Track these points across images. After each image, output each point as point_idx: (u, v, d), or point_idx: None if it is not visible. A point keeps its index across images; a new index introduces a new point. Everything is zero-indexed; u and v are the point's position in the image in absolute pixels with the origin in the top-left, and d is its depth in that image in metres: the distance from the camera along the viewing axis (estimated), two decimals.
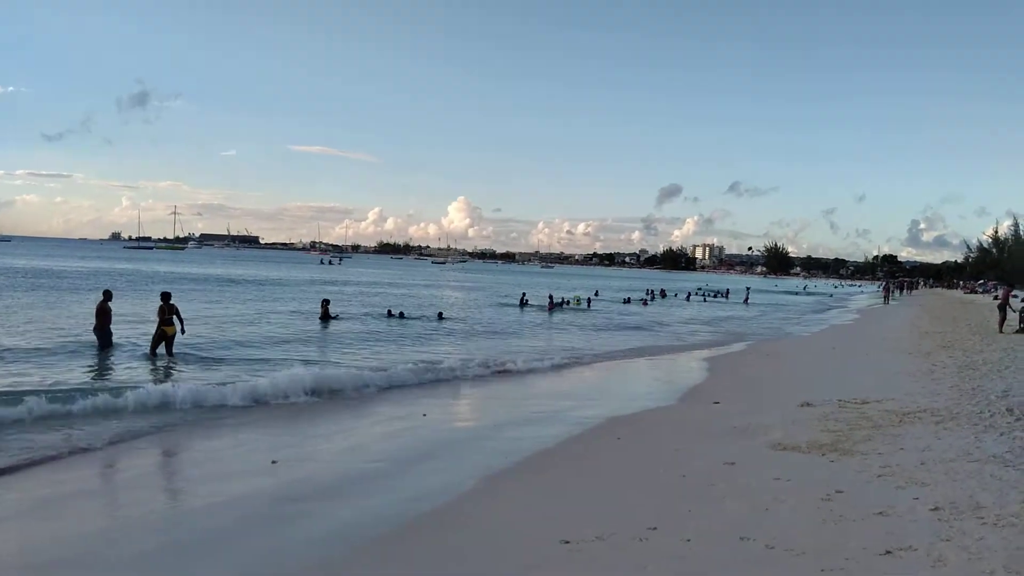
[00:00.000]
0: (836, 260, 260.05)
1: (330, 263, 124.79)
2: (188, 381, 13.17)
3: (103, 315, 16.38)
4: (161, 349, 16.12)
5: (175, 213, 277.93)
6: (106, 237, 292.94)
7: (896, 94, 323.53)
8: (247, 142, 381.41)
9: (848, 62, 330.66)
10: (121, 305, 23.33)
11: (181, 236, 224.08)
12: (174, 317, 16.34)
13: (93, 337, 16.57)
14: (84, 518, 6.69)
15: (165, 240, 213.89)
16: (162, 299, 16.42)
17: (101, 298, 16.76)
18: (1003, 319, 23.86)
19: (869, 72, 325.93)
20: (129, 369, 14.75)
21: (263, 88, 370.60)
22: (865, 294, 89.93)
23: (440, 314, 30.04)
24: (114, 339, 16.67)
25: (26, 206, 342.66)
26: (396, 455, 9.17)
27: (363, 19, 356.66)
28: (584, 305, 42.40)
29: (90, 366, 14.85)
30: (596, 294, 51.36)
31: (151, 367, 15.05)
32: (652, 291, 64.85)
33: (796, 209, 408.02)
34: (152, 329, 16.58)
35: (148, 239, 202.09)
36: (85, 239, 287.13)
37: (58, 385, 12.31)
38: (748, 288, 70.47)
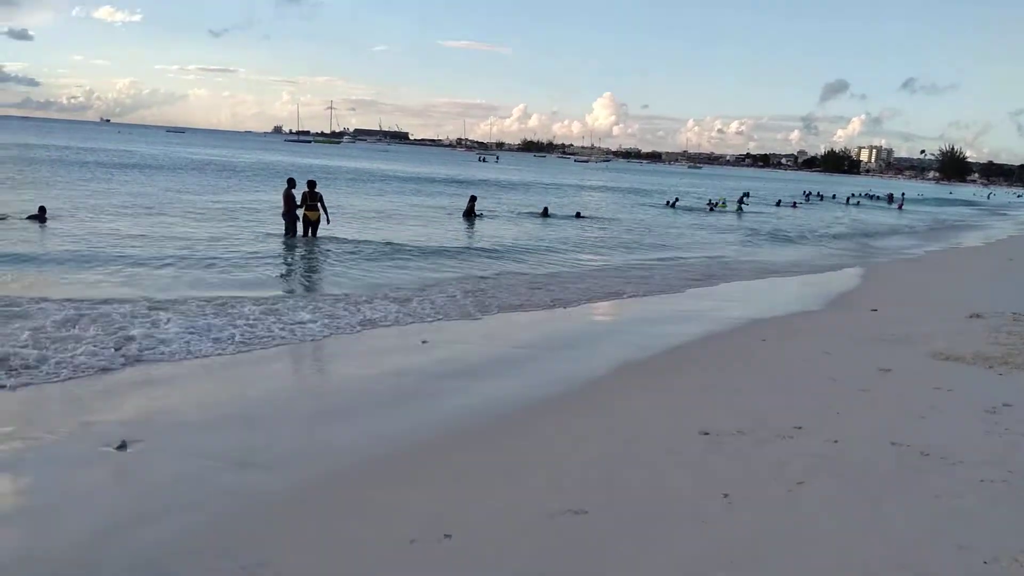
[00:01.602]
0: (1021, 167, 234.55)
1: (483, 160, 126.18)
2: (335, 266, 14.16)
3: (288, 201, 17.20)
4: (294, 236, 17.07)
5: (331, 108, 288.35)
6: (269, 130, 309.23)
7: None
8: (397, 38, 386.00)
9: None
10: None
11: (337, 131, 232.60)
12: (318, 204, 17.14)
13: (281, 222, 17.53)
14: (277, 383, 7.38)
15: (323, 134, 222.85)
16: (308, 186, 17.15)
17: (286, 185, 17.44)
18: None
19: None
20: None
21: None
22: None
23: (578, 213, 29.73)
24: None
25: (197, 100, 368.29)
26: (539, 342, 9.43)
27: None
28: (732, 208, 40.86)
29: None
30: (747, 196, 48.96)
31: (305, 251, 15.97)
32: (808, 193, 61.46)
33: (978, 110, 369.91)
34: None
35: (307, 133, 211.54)
36: (250, 131, 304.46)
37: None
38: (903, 193, 64.99)
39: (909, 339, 9.10)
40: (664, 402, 6.87)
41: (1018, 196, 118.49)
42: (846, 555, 3.87)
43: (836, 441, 5.51)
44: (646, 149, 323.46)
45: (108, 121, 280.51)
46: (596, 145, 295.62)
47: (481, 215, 26.25)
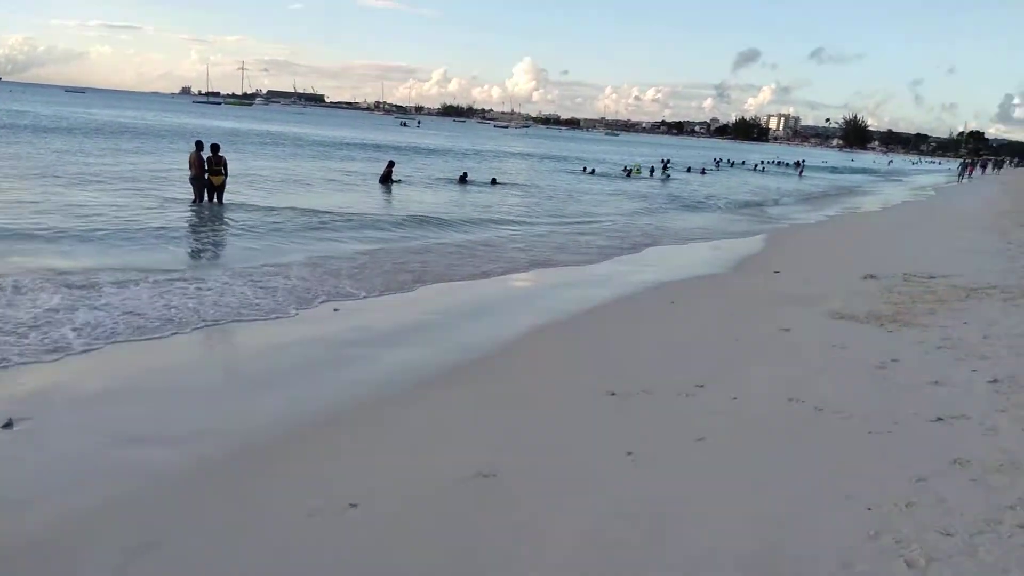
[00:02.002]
0: (917, 135, 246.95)
1: (404, 125, 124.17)
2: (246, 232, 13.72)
3: (196, 165, 16.51)
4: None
5: (243, 68, 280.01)
6: (176, 91, 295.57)
7: None
8: None
9: None
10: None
11: (248, 92, 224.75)
12: (223, 168, 16.64)
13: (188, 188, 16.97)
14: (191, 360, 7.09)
15: (233, 96, 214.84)
16: (211, 150, 16.53)
17: (193, 148, 16.70)
18: None
19: None
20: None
21: None
22: (943, 172, 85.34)
23: (493, 180, 29.48)
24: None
25: (100, 58, 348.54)
26: (453, 310, 9.37)
27: None
28: (645, 174, 41.66)
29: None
30: (669, 163, 49.84)
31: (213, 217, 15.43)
32: (719, 160, 63.02)
33: (881, 80, 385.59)
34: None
35: (217, 94, 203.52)
36: (157, 92, 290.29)
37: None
38: (803, 160, 67.17)
39: (808, 300, 9.48)
40: (573, 365, 6.96)
41: (913, 163, 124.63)
42: (741, 508, 4.02)
43: (735, 398, 5.71)
44: (565, 115, 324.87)
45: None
46: (516, 111, 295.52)
47: (399, 181, 25.89)
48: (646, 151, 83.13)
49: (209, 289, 9.11)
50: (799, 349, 7.16)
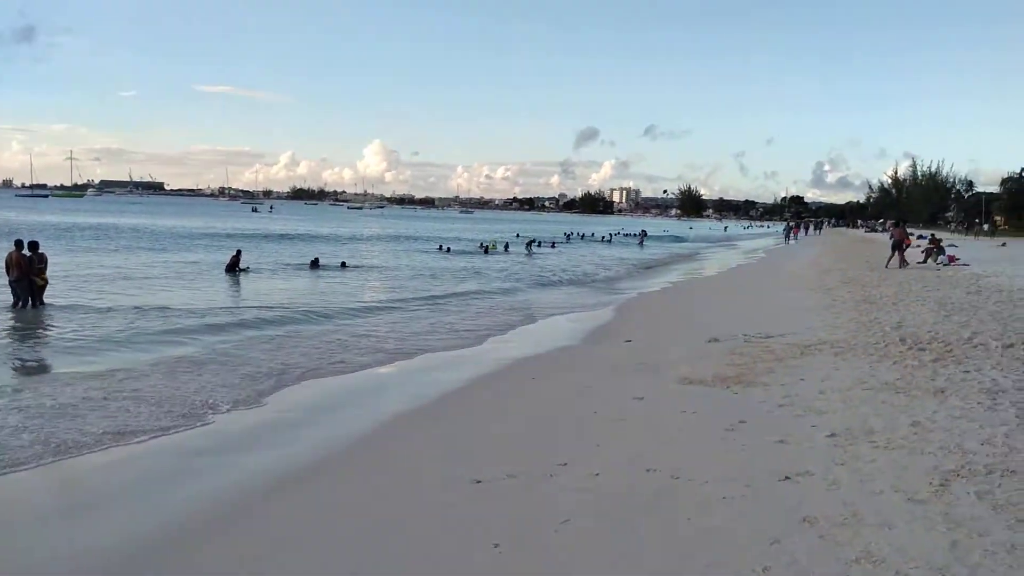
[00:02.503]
0: (747, 202, 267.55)
1: (256, 211, 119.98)
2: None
3: (19, 266, 15.07)
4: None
5: (71, 158, 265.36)
6: None
7: (798, 39, 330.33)
8: (148, 82, 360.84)
9: (759, 9, 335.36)
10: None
11: (79, 183, 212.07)
12: (44, 267, 15.57)
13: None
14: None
15: (62, 187, 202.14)
16: (31, 248, 15.40)
17: (13, 247, 15.42)
18: (893, 257, 24.99)
19: (770, 8, 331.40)
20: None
21: (163, 24, 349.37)
22: (772, 235, 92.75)
23: (343, 263, 29.06)
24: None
25: None
26: (307, 403, 8.96)
27: None
28: (501, 249, 42.79)
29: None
30: (534, 242, 50.95)
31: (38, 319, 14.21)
32: (569, 233, 65.40)
33: (708, 152, 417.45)
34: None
35: (43, 186, 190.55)
36: None
37: None
38: (643, 231, 71.07)
39: (658, 366, 9.82)
40: (438, 453, 6.77)
41: (745, 228, 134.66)
42: None
43: (598, 474, 5.72)
44: (419, 195, 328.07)
45: None
46: (369, 192, 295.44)
47: (246, 269, 24.96)
48: (501, 227, 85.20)
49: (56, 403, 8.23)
50: (653, 417, 7.34)
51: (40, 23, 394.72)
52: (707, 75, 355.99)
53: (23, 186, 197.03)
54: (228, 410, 8.36)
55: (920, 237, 44.18)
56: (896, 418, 6.60)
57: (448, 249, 41.44)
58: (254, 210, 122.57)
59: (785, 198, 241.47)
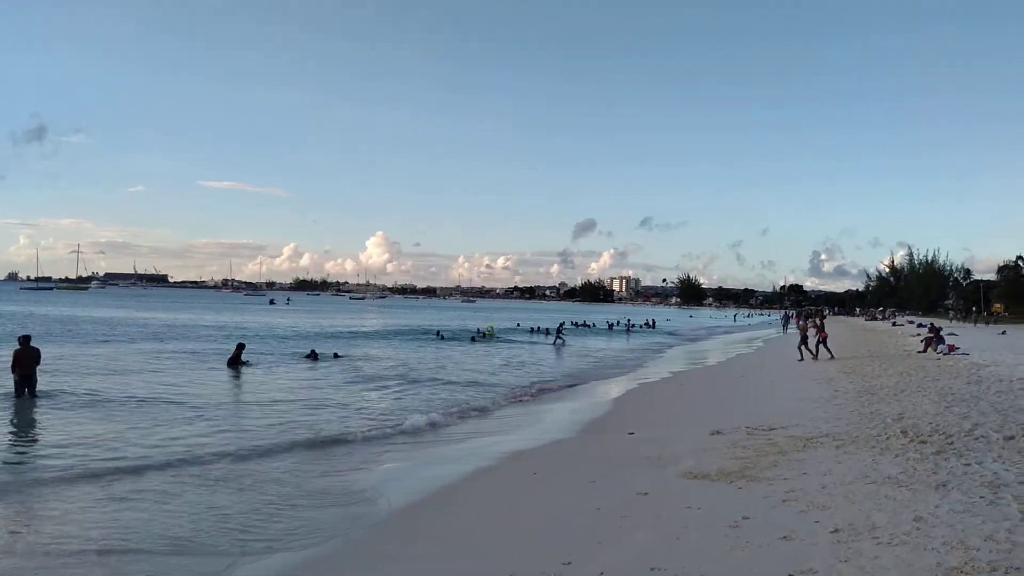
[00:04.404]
0: (746, 290, 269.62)
1: (272, 303, 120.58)
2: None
3: (25, 359, 16.03)
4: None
5: (77, 252, 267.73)
6: (2, 278, 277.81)
7: (790, 132, 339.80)
8: (153, 178, 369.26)
9: (741, 100, 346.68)
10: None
11: (84, 276, 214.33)
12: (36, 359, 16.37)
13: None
14: None
15: (67, 280, 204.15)
16: (19, 342, 16.38)
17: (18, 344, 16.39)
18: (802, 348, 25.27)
19: (763, 110, 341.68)
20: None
21: (169, 123, 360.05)
22: (772, 324, 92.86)
23: (335, 353, 29.52)
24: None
25: None
26: (314, 497, 8.94)
27: (271, 55, 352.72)
28: (497, 335, 43.88)
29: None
30: (517, 325, 51.46)
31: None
32: (576, 323, 65.37)
33: (705, 242, 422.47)
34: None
35: (48, 279, 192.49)
36: None
37: None
38: (628, 319, 70.68)
39: (662, 460, 9.80)
40: (436, 549, 6.74)
41: (747, 316, 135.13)
42: None
43: (602, 573, 5.70)
44: (421, 284, 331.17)
45: None
46: (371, 282, 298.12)
47: (247, 362, 25.06)
48: (503, 315, 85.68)
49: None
50: (657, 513, 7.32)
51: (51, 123, 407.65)
52: (700, 169, 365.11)
53: (28, 279, 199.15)
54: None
55: (920, 326, 44.41)
56: (899, 513, 6.60)
57: (442, 336, 43.55)
58: (271, 302, 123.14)
59: (784, 286, 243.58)
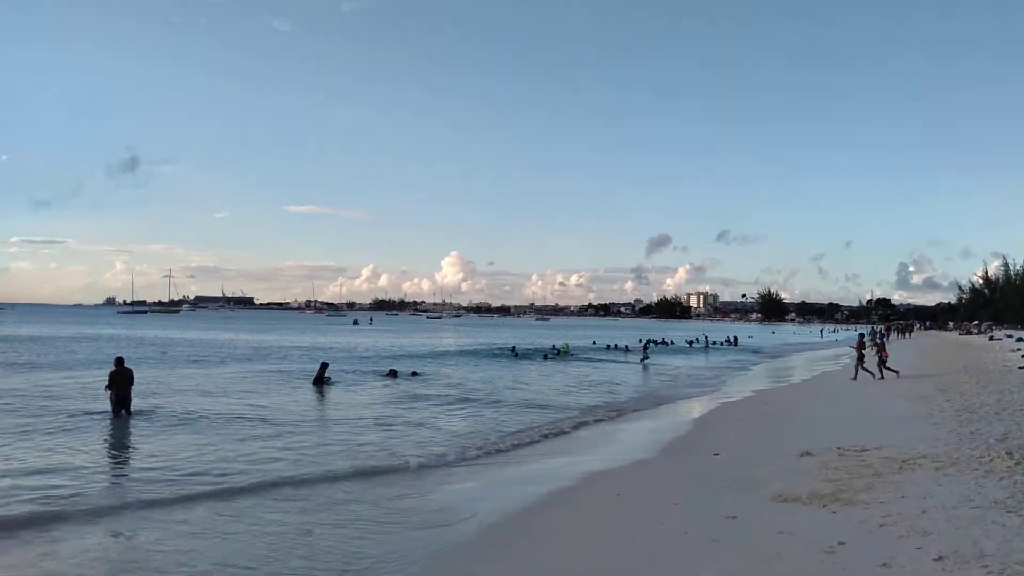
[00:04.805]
0: (830, 305, 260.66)
1: (355, 323, 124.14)
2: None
3: (118, 379, 16.90)
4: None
5: (169, 276, 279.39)
6: (100, 302, 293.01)
7: (874, 145, 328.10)
8: (240, 204, 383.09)
9: (829, 114, 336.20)
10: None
11: (175, 299, 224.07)
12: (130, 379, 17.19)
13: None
14: None
15: (160, 303, 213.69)
16: (115, 363, 17.31)
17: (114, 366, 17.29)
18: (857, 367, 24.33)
19: (849, 126, 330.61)
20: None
21: (254, 151, 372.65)
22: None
23: (413, 372, 30.36)
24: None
25: (20, 273, 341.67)
26: (398, 519, 9.06)
27: (349, 79, 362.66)
28: (572, 353, 44.86)
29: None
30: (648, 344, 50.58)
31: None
32: (654, 340, 64.46)
33: (785, 256, 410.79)
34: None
35: (142, 303, 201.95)
36: (79, 304, 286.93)
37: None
38: (706, 336, 68.88)
39: (750, 483, 9.53)
40: (521, 574, 6.72)
41: (833, 331, 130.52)
42: None
43: None
44: (495, 303, 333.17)
45: None
46: (447, 301, 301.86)
47: (330, 379, 25.74)
48: (577, 332, 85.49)
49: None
50: (748, 538, 7.11)
51: (143, 154, 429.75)
52: (778, 180, 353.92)
53: (124, 303, 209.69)
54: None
55: (1020, 340, 42.02)
56: (1010, 541, 6.23)
57: (517, 352, 44.45)
58: (355, 322, 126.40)
59: (871, 300, 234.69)
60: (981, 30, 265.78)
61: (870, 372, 23.99)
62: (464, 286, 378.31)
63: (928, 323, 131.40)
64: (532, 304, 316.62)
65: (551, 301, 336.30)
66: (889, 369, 24.07)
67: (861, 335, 26.89)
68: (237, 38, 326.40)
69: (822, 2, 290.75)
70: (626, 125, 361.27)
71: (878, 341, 24.20)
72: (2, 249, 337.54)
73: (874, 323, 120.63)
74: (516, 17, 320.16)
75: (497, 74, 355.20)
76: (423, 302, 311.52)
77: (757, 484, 9.41)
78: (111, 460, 12.86)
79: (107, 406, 16.80)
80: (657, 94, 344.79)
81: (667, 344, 60.74)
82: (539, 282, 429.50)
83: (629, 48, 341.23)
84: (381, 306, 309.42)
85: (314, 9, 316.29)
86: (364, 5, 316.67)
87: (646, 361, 40.12)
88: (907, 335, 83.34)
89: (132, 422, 16.18)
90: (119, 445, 14.12)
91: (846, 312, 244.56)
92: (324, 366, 26.41)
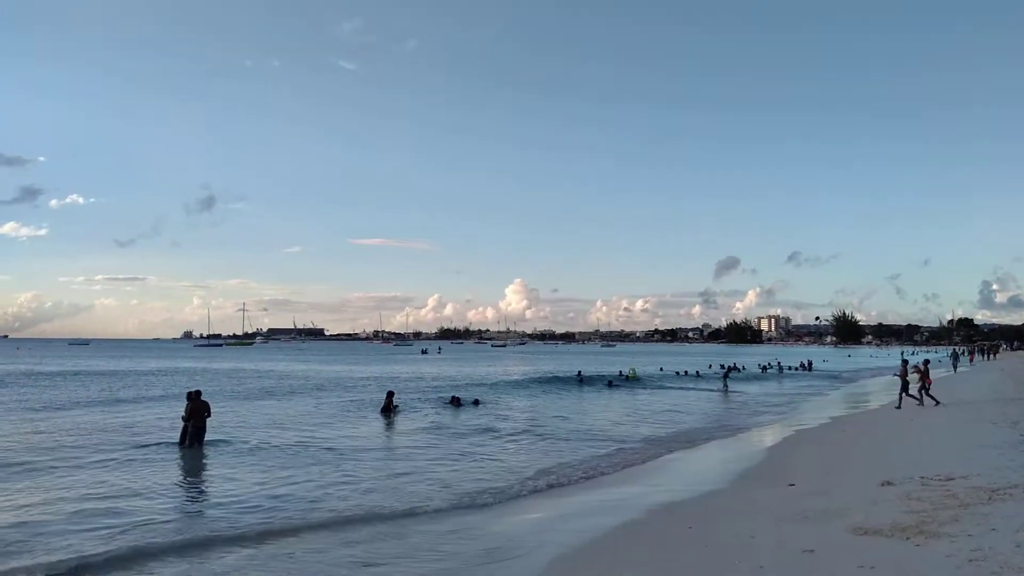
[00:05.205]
0: (909, 326, 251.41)
1: (424, 352, 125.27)
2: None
3: (194, 413, 17.51)
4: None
5: (243, 310, 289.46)
6: (178, 336, 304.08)
7: (952, 160, 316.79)
8: (309, 239, 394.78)
9: (903, 130, 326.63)
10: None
11: (249, 332, 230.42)
12: (206, 412, 17.74)
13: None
14: None
15: (234, 336, 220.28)
16: (187, 398, 17.90)
17: (187, 401, 17.91)
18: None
19: (924, 140, 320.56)
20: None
21: (322, 186, 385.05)
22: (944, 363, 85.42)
23: (476, 400, 30.38)
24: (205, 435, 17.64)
25: (104, 309, 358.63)
26: (464, 551, 9.03)
27: (408, 116, 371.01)
28: (640, 378, 45.41)
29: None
30: (731, 368, 50.00)
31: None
32: (724, 365, 63.14)
33: (859, 276, 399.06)
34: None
35: (218, 336, 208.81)
36: (159, 339, 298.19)
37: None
38: (778, 362, 67.29)
39: (827, 514, 9.17)
40: None
41: (913, 354, 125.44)
42: None
43: None
44: (559, 330, 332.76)
45: (5, 337, 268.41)
46: (511, 329, 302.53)
47: (398, 408, 26.21)
48: (644, 359, 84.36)
49: None
50: (826, 573, 6.82)
51: (219, 193, 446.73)
52: (850, 197, 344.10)
53: (201, 336, 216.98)
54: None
55: None
56: None
57: (582, 379, 44.74)
58: (423, 352, 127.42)
59: (952, 320, 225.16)
60: None
61: (914, 398, 23.39)
62: (528, 313, 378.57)
63: (1015, 343, 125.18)
64: (597, 330, 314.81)
65: (616, 327, 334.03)
66: (931, 397, 23.30)
67: (904, 362, 26.02)
68: (305, 78, 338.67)
69: (910, 15, 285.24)
70: (690, 144, 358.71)
71: (921, 369, 23.48)
72: (88, 287, 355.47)
73: (956, 344, 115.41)
74: (577, 37, 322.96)
75: (558, 97, 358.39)
76: (488, 330, 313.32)
77: (835, 515, 9.04)
78: (184, 493, 13.17)
79: (177, 436, 17.51)
80: (721, 110, 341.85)
81: (739, 370, 59.21)
82: (603, 308, 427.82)
83: (692, 65, 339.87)
84: (446, 335, 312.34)
85: (379, 48, 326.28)
86: (425, 43, 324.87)
87: (725, 388, 39.18)
88: (992, 356, 79.64)
89: (206, 452, 16.64)
90: (192, 477, 14.45)
91: (926, 333, 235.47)
92: (390, 395, 26.84)
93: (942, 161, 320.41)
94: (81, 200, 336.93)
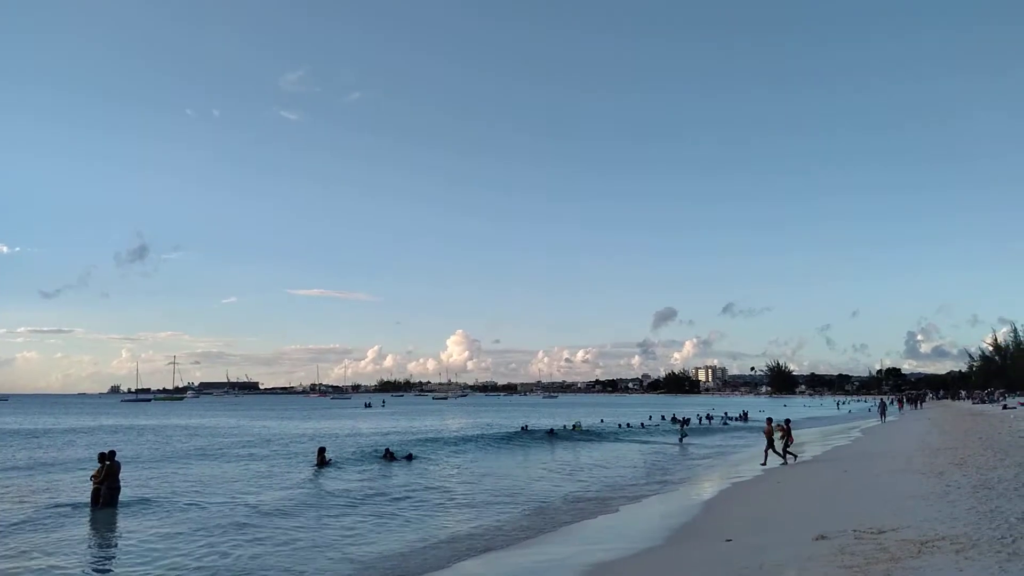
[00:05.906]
0: (840, 376, 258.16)
1: (367, 405, 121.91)
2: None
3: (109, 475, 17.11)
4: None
5: (174, 363, 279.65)
6: (105, 390, 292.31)
7: (876, 213, 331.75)
8: (246, 289, 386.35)
9: (829, 183, 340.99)
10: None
11: (180, 386, 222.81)
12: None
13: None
14: None
15: (164, 391, 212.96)
16: (106, 458, 17.43)
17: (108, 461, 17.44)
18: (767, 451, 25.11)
19: (850, 193, 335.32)
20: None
21: (260, 236, 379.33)
22: (873, 412, 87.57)
23: (409, 455, 29.53)
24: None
25: (26, 363, 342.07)
26: None
27: (352, 165, 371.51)
28: (584, 429, 45.18)
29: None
30: (602, 421, 51.00)
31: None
32: (685, 419, 63.23)
33: (791, 327, 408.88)
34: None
35: (147, 391, 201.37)
36: (84, 393, 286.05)
37: None
38: (724, 413, 68.31)
39: (763, 571, 9.07)
40: None
41: (843, 403, 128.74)
42: None
43: None
44: (501, 381, 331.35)
45: None
46: (452, 380, 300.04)
47: (331, 461, 26.29)
48: (586, 410, 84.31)
49: None
50: None
51: (152, 242, 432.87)
52: (781, 252, 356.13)
53: (129, 391, 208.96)
54: None
55: None
56: None
57: (527, 429, 44.71)
58: (367, 405, 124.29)
59: (881, 370, 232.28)
60: (982, 93, 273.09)
61: (779, 455, 24.94)
62: (470, 364, 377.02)
63: (940, 392, 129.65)
64: (539, 381, 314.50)
65: (558, 377, 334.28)
66: (790, 454, 25.04)
67: (769, 420, 27.25)
68: (246, 128, 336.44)
69: (832, 69, 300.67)
70: (626, 203, 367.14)
71: (784, 427, 24.76)
72: (9, 340, 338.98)
73: (884, 393, 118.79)
74: (510, 97, 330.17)
75: (496, 155, 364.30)
76: (429, 382, 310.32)
77: (770, 573, 8.96)
78: (93, 555, 12.38)
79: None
80: (655, 171, 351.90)
81: (689, 422, 59.66)
82: (545, 359, 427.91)
83: (627, 127, 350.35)
84: (386, 387, 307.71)
85: (322, 99, 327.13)
86: (368, 95, 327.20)
87: (685, 440, 39.33)
88: (920, 405, 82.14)
89: (118, 511, 16.10)
90: (102, 539, 13.69)
91: (856, 383, 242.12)
92: (322, 450, 26.99)
93: (867, 216, 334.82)
94: (5, 249, 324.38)
